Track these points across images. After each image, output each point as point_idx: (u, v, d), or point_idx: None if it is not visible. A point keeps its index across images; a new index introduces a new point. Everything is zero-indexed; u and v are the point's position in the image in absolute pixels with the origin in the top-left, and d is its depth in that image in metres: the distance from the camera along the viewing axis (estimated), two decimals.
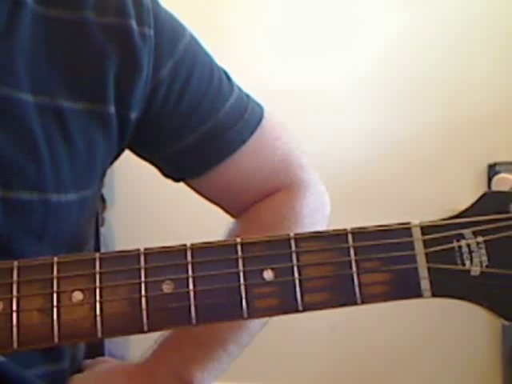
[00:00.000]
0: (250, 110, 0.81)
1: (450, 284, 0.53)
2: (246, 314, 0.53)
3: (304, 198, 0.83)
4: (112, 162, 0.78)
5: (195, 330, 0.76)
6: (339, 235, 0.54)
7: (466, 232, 0.54)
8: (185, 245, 0.54)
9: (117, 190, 2.27)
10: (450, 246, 0.53)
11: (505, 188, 0.54)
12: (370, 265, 0.53)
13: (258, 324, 0.80)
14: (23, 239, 0.68)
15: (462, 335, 2.19)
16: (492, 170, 2.13)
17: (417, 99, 2.20)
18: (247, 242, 0.54)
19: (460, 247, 0.53)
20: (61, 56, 0.70)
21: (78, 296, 0.53)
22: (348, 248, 0.54)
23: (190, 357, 0.78)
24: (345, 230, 0.54)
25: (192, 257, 0.53)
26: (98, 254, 0.54)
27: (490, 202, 0.54)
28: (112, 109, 0.72)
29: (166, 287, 0.53)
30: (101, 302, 0.52)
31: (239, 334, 0.80)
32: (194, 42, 0.79)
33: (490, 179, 2.12)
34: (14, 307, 0.52)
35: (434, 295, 0.53)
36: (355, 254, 0.54)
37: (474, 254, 0.53)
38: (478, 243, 0.53)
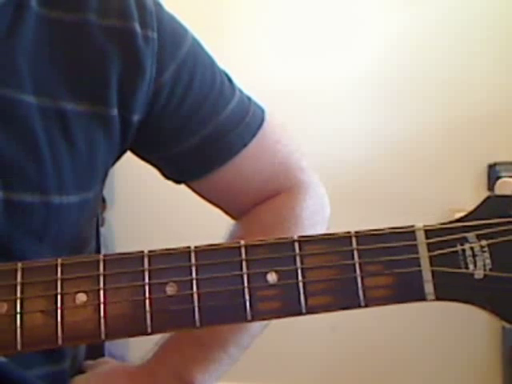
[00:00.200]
0: (251, 112, 0.82)
1: (454, 287, 0.53)
2: (249, 317, 0.53)
3: (304, 200, 0.83)
4: (113, 164, 0.78)
5: (196, 331, 0.77)
6: (343, 238, 0.54)
7: (470, 235, 0.54)
8: (188, 247, 0.54)
9: (117, 190, 2.27)
10: (454, 249, 0.53)
11: (508, 192, 0.54)
12: (374, 268, 0.53)
13: (258, 326, 0.80)
14: (24, 240, 0.68)
15: (461, 335, 2.19)
16: (492, 170, 2.13)
17: (417, 99, 2.20)
18: (251, 244, 0.54)
19: (464, 251, 0.53)
20: (63, 58, 0.70)
21: (81, 298, 0.53)
22: (352, 251, 0.54)
23: (191, 358, 0.78)
24: (349, 232, 0.54)
25: (196, 259, 0.53)
26: (101, 256, 0.54)
27: (493, 205, 0.54)
28: (114, 111, 0.72)
29: (170, 289, 0.53)
30: (104, 304, 0.52)
31: (240, 336, 0.80)
32: (196, 44, 0.79)
33: (490, 179, 2.12)
34: (18, 309, 0.52)
35: (437, 298, 0.53)
36: (359, 257, 0.54)
37: (477, 258, 0.53)
38: (481, 247, 0.53)
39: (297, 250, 0.54)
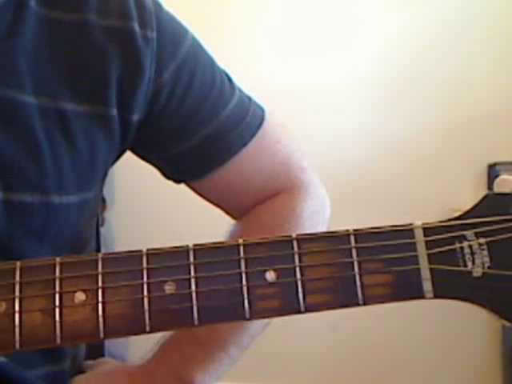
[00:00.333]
0: (251, 112, 0.81)
1: (452, 285, 0.53)
2: (248, 315, 0.53)
3: (304, 200, 0.83)
4: (113, 163, 0.78)
5: (196, 331, 0.77)
6: (341, 236, 0.54)
7: (468, 233, 0.53)
8: (187, 246, 0.54)
9: (117, 190, 2.27)
10: (452, 247, 0.53)
11: (506, 190, 0.54)
12: (372, 266, 0.53)
13: (258, 326, 0.80)
14: (24, 240, 0.68)
15: (461, 335, 2.19)
16: (492, 170, 2.13)
17: (417, 99, 2.20)
18: (249, 242, 0.54)
19: (462, 248, 0.53)
20: (63, 58, 0.70)
21: (80, 297, 0.53)
22: (350, 249, 0.54)
23: (191, 358, 0.78)
24: (347, 231, 0.54)
25: (194, 258, 0.53)
26: (100, 255, 0.54)
27: (491, 203, 0.54)
28: (114, 111, 0.72)
29: (169, 288, 0.53)
30: (103, 303, 0.52)
31: (240, 336, 0.80)
32: (196, 44, 0.79)
33: (490, 179, 2.12)
34: (17, 308, 0.52)
35: (436, 296, 0.53)
36: (357, 255, 0.54)
37: (476, 256, 0.53)
38: (480, 244, 0.53)
39: (295, 248, 0.54)
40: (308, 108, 2.22)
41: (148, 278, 0.53)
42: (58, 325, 0.52)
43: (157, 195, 1.99)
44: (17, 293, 0.52)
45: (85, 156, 0.71)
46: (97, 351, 0.98)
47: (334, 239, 0.54)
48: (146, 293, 0.53)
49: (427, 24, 2.19)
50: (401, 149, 2.21)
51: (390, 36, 2.21)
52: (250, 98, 0.83)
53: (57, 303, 0.52)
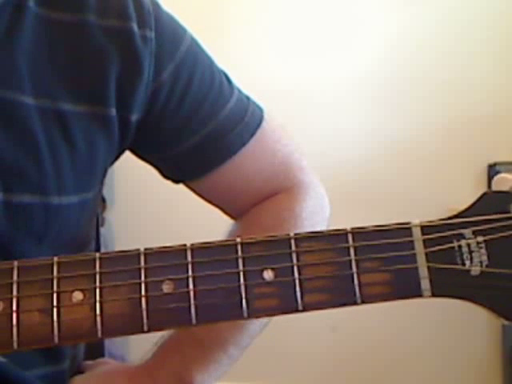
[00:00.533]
0: (250, 112, 0.81)
1: (450, 284, 0.53)
2: (245, 314, 0.53)
3: (304, 200, 0.83)
4: (112, 163, 0.78)
5: (195, 331, 0.77)
6: (339, 235, 0.54)
7: (466, 232, 0.53)
8: (185, 245, 0.54)
9: (117, 190, 2.27)
10: (450, 245, 0.53)
11: (505, 188, 0.54)
12: (370, 265, 0.53)
13: (258, 326, 0.80)
14: (24, 241, 0.68)
15: (461, 335, 2.19)
16: (492, 169, 2.13)
17: (417, 99, 2.20)
18: (247, 241, 0.54)
19: (460, 247, 0.53)
20: (62, 58, 0.70)
21: (78, 296, 0.53)
22: (348, 248, 0.54)
23: (191, 358, 0.78)
24: (345, 229, 0.54)
25: (192, 257, 0.53)
26: (98, 254, 0.54)
27: (490, 201, 0.54)
28: (113, 111, 0.72)
29: (166, 287, 0.53)
30: (101, 302, 0.52)
31: (239, 336, 0.80)
32: (194, 44, 0.79)
33: (490, 179, 2.12)
34: (15, 307, 0.52)
35: (433, 295, 0.53)
36: (355, 254, 0.54)
37: (474, 254, 0.53)
38: (478, 243, 0.53)
39: (293, 247, 0.54)
40: (308, 108, 2.22)
41: (146, 277, 0.53)
42: (55, 324, 0.52)
43: (157, 195, 1.99)
44: (15, 292, 0.52)
45: (84, 156, 0.71)
46: (96, 351, 0.98)
47: (331, 238, 0.54)
48: (143, 292, 0.53)
49: (427, 24, 2.19)
50: (401, 149, 2.21)
51: (389, 36, 2.21)
52: (248, 98, 0.83)
53: (55, 303, 0.52)
